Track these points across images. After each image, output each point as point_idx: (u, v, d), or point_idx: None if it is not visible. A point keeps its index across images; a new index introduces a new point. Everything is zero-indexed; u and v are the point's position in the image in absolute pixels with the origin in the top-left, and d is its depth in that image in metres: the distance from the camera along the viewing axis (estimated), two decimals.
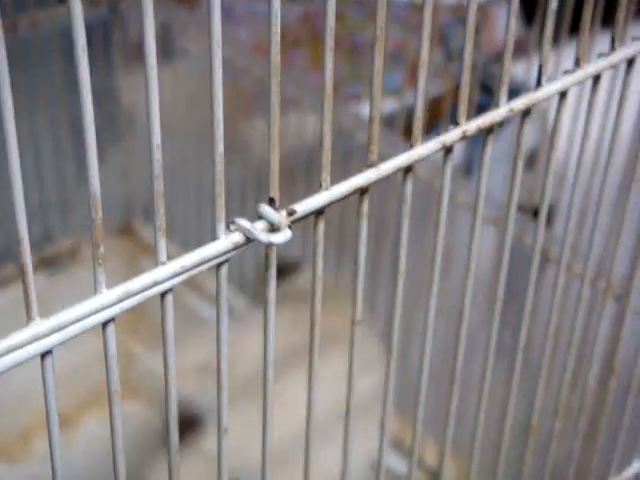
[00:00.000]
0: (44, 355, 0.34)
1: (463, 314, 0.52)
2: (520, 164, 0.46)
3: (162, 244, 0.36)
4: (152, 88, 0.32)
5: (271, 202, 0.38)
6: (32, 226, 1.06)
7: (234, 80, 1.05)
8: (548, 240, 0.84)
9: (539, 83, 0.45)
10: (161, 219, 0.35)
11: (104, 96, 1.12)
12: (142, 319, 1.17)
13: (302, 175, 0.97)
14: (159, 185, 0.35)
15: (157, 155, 0.34)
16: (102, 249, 0.34)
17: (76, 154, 1.12)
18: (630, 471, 0.67)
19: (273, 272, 0.40)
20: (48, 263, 1.13)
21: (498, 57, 1.43)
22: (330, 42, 0.36)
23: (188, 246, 1.04)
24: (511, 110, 0.43)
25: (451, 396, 0.55)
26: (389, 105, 1.17)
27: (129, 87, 1.15)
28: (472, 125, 0.43)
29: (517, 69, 1.00)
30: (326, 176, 0.39)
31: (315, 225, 0.41)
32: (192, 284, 1.14)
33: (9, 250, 1.10)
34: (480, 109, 1.01)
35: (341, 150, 0.92)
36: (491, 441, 0.63)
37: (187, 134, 1.09)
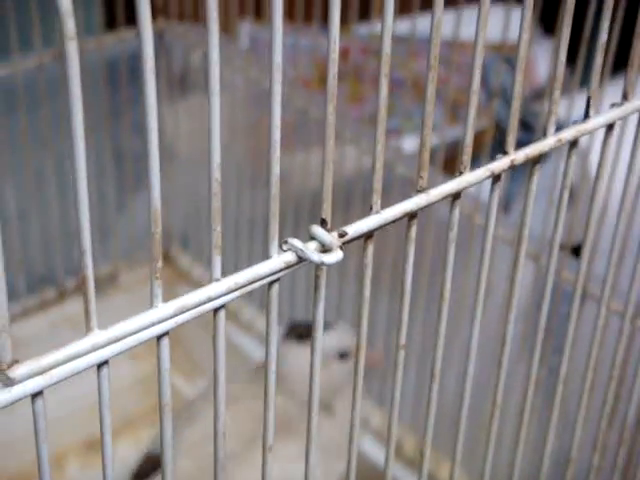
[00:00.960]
0: (100, 365, 0.35)
1: (504, 349, 0.53)
2: (566, 195, 0.47)
3: (217, 261, 0.37)
4: (214, 105, 0.33)
5: (323, 223, 0.39)
6: (71, 251, 1.08)
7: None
8: (586, 276, 0.84)
9: (587, 115, 0.45)
10: (217, 236, 0.36)
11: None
12: (179, 346, 1.18)
13: (341, 204, 0.98)
14: (216, 202, 0.36)
15: (216, 174, 0.35)
16: (160, 263, 0.35)
17: (117, 181, 1.14)
18: None
19: (322, 293, 0.40)
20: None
21: (537, 95, 1.44)
22: (385, 68, 0.37)
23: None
24: (559, 140, 0.44)
25: (489, 434, 0.55)
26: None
27: (171, 117, 1.17)
28: (520, 154, 0.44)
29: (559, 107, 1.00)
30: (377, 200, 0.40)
31: (365, 248, 0.41)
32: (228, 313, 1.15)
33: (50, 274, 1.11)
34: (520, 146, 1.02)
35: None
36: (528, 475, 0.64)
37: (228, 164, 1.10)
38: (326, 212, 0.39)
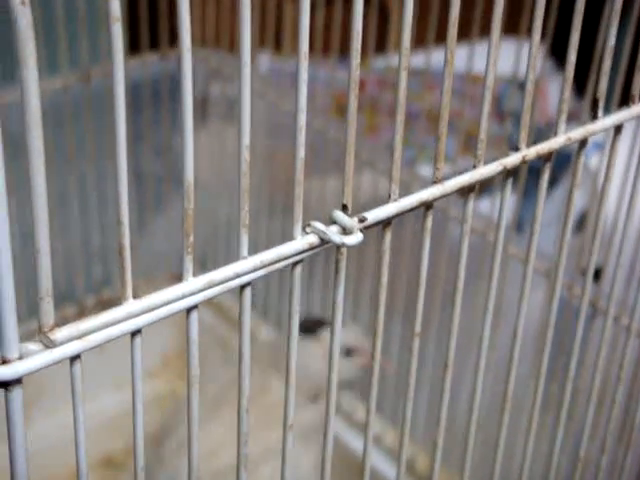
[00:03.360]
0: (134, 334, 0.37)
1: (511, 364, 0.55)
2: (575, 192, 0.49)
3: (244, 239, 0.39)
4: (245, 84, 0.36)
5: (344, 208, 0.41)
6: (93, 269, 1.11)
7: (292, 144, 1.08)
8: (597, 292, 0.86)
9: (595, 116, 0.48)
10: (245, 215, 0.38)
11: (168, 149, 1.17)
12: (184, 359, 1.19)
13: None
14: (245, 183, 0.38)
15: (245, 154, 0.37)
16: (192, 238, 0.37)
17: (137, 202, 1.16)
18: None
19: (342, 276, 0.42)
20: (106, 305, 1.16)
21: (549, 126, 1.46)
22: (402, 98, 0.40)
23: None
24: (569, 139, 0.46)
25: (496, 452, 0.57)
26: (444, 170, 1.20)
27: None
28: (532, 151, 0.46)
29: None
30: (395, 188, 0.42)
31: (383, 235, 0.43)
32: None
33: (70, 292, 1.14)
34: (531, 170, 1.04)
35: None
36: None
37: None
38: (347, 198, 0.41)
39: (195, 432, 0.41)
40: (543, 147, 0.46)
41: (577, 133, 0.47)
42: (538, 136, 1.15)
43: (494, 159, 0.45)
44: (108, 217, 1.12)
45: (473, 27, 0.99)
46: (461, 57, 0.98)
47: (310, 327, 0.93)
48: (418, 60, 1.19)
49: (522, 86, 1.13)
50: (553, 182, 1.33)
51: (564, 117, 0.46)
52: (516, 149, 0.46)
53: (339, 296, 0.43)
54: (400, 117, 0.40)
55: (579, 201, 1.07)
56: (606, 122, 0.48)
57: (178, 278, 1.14)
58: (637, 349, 0.73)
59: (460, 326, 0.50)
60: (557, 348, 0.87)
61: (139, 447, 0.40)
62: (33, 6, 0.30)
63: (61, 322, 1.01)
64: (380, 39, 1.54)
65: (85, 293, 1.15)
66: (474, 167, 0.45)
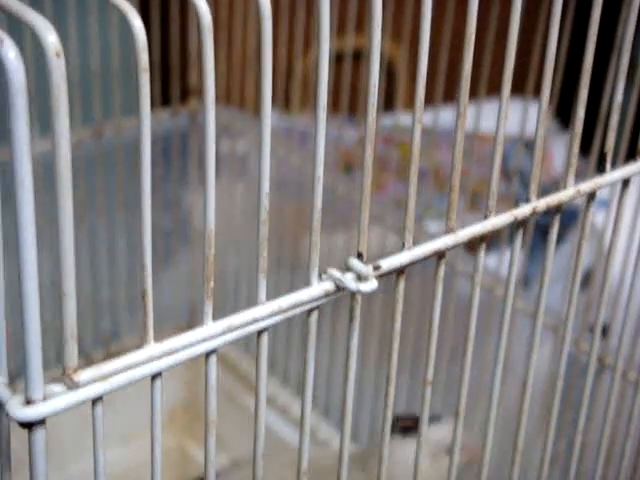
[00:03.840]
0: (155, 377, 0.38)
1: (522, 415, 0.55)
2: (584, 246, 0.50)
3: (262, 285, 0.40)
4: (265, 136, 0.37)
5: (359, 256, 0.42)
6: (101, 322, 1.11)
7: (299, 200, 1.10)
8: (604, 348, 0.87)
9: (603, 169, 0.49)
10: (263, 261, 0.39)
11: (177, 204, 1.18)
12: (199, 419, 1.20)
13: None
14: (264, 231, 0.39)
15: (265, 202, 0.38)
16: (212, 283, 0.38)
17: None
18: None
19: (357, 323, 0.43)
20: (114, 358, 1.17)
21: (554, 184, 1.48)
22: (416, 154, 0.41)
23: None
24: (578, 191, 0.48)
25: None
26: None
27: (200, 199, 1.20)
28: (542, 203, 0.47)
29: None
30: (409, 237, 0.43)
31: (396, 283, 0.44)
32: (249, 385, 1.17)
33: (79, 345, 1.14)
34: (537, 228, 1.05)
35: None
36: None
37: (253, 245, 1.14)
38: (362, 246, 0.42)
39: (212, 475, 0.42)
40: (553, 199, 0.47)
41: (586, 186, 0.48)
42: (544, 195, 1.17)
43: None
44: (117, 271, 1.13)
45: (480, 86, 1.00)
46: (467, 116, 0.99)
47: (408, 426, 0.91)
48: (425, 119, 1.21)
49: (529, 145, 1.14)
50: (559, 239, 1.34)
51: (573, 170, 0.47)
52: (527, 200, 0.47)
53: (354, 345, 0.44)
54: (414, 167, 0.41)
55: (585, 258, 1.08)
56: (614, 175, 0.49)
57: (184, 330, 1.14)
58: None
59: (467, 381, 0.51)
60: (564, 404, 0.87)
61: None
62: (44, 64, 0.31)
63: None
64: (387, 97, 1.56)
65: (93, 347, 1.16)
66: (485, 217, 0.46)
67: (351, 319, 0.43)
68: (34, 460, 0.36)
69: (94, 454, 0.39)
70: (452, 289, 0.96)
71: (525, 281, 1.10)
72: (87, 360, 1.16)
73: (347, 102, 1.15)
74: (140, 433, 1.22)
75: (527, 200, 0.47)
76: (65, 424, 1.08)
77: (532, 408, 0.60)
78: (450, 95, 0.96)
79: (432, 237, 0.99)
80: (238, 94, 1.21)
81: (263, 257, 0.39)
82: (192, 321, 1.25)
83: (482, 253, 0.47)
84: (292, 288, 0.41)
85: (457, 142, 0.41)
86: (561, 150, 1.59)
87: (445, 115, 1.12)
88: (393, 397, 0.47)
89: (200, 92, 1.11)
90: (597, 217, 1.23)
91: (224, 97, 1.18)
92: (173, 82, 1.12)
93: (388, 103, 1.58)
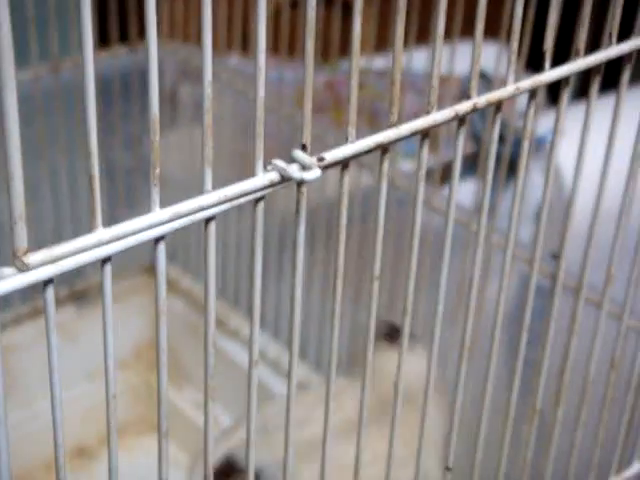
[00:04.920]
0: (105, 261, 0.39)
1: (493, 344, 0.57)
2: (527, 145, 0.51)
3: (208, 173, 0.41)
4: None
5: (303, 148, 0.43)
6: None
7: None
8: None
9: (542, 68, 0.50)
10: (209, 152, 0.41)
11: (138, 142, 1.19)
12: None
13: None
14: (208, 119, 0.40)
15: (208, 91, 0.39)
16: (158, 170, 0.39)
17: (108, 196, 1.18)
18: (631, 471, 0.71)
19: (303, 215, 0.45)
20: (78, 297, 1.18)
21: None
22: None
23: None
24: (517, 88, 0.49)
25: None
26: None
27: (161, 148, 1.21)
28: (482, 99, 0.48)
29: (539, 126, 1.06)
30: (352, 130, 0.45)
31: (341, 177, 0.46)
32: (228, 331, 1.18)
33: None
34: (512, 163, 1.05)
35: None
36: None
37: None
38: (306, 138, 0.43)
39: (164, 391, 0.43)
40: (493, 95, 0.48)
41: (525, 84, 0.49)
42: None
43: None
44: (80, 207, 1.13)
45: (454, 28, 1.01)
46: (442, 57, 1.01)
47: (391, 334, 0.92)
48: (381, 62, 1.21)
49: (483, 76, 1.15)
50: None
51: (512, 68, 0.49)
52: (467, 97, 0.48)
53: (300, 236, 0.45)
54: (356, 48, 0.42)
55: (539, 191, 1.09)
56: (552, 74, 0.50)
57: (148, 270, 1.15)
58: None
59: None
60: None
61: (112, 429, 0.42)
62: None
63: (34, 312, 1.02)
64: (345, 40, 1.57)
65: (58, 285, 1.16)
66: (427, 113, 0.47)
67: (297, 210, 0.44)
68: None
69: (47, 339, 0.40)
70: (430, 227, 0.97)
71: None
72: None
73: (303, 45, 1.15)
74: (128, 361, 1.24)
75: (468, 97, 0.48)
76: (32, 359, 1.10)
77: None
78: (424, 37, 0.97)
79: (406, 176, 1.02)
80: (196, 32, 1.21)
81: (208, 147, 0.40)
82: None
83: (425, 150, 0.48)
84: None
85: (398, 21, 0.42)
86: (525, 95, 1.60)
87: (418, 57, 1.12)
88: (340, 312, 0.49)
89: (159, 30, 1.11)
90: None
91: (182, 34, 1.19)
92: (131, 18, 1.12)
93: (346, 47, 1.58)
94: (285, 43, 1.18)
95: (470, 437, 0.65)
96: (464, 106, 0.48)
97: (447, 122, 0.48)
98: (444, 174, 1.13)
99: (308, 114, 0.43)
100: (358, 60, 0.43)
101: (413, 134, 0.47)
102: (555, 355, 0.67)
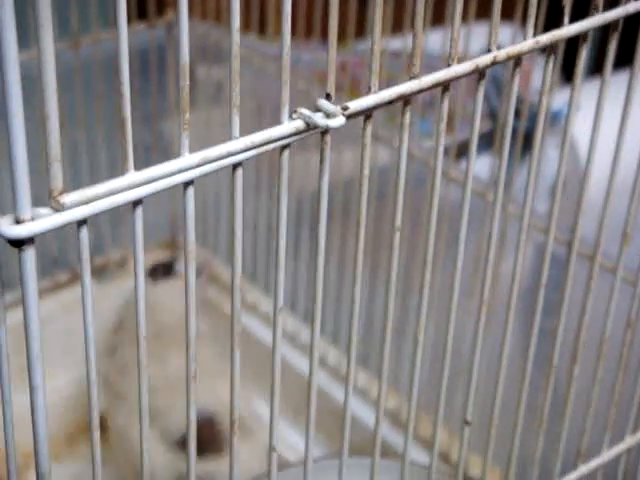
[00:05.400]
0: (136, 203, 0.41)
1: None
2: (546, 100, 0.52)
3: (236, 120, 0.42)
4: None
5: (327, 97, 0.44)
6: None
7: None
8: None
9: (561, 24, 0.51)
10: (236, 96, 0.42)
11: (156, 118, 1.20)
12: None
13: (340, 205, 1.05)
14: (236, 65, 0.41)
15: (236, 37, 0.40)
16: (188, 115, 0.40)
17: None
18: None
19: (327, 164, 0.46)
20: (98, 272, 1.20)
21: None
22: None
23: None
24: (537, 42, 0.50)
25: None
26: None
27: (177, 128, 1.22)
28: (502, 53, 0.49)
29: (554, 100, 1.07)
30: (375, 80, 0.46)
31: (364, 126, 0.47)
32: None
33: (62, 258, 1.16)
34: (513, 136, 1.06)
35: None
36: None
37: None
38: (330, 87, 0.44)
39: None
40: (513, 49, 0.49)
41: (545, 38, 0.50)
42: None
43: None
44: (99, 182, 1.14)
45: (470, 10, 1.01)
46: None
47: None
48: (397, 43, 1.22)
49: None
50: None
51: (532, 22, 0.50)
52: (488, 51, 0.49)
53: (324, 186, 0.46)
54: (379, 11, 0.43)
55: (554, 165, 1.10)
56: (571, 29, 0.51)
57: (168, 246, 1.16)
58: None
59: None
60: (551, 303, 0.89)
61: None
62: None
63: (55, 286, 1.03)
64: (360, 22, 1.57)
65: (77, 260, 1.18)
66: (448, 65, 0.48)
67: (322, 160, 0.46)
68: (25, 279, 0.38)
69: (82, 284, 0.41)
70: (446, 199, 0.98)
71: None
72: (71, 274, 1.18)
73: (320, 27, 1.17)
74: None
75: (488, 50, 0.49)
76: (52, 334, 1.11)
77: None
78: (438, 19, 0.98)
79: (424, 151, 1.03)
80: (214, 11, 1.22)
81: (235, 92, 0.42)
82: (174, 236, 1.28)
83: (445, 103, 0.49)
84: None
85: None
86: (540, 74, 1.60)
87: (433, 39, 1.13)
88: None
89: (175, 5, 1.12)
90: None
91: (200, 13, 1.20)
92: None
93: (360, 29, 1.59)
94: (302, 25, 1.19)
95: (487, 396, 0.66)
96: (484, 59, 0.49)
97: (467, 75, 0.49)
98: (460, 151, 1.14)
99: (332, 62, 0.44)
100: (381, 11, 0.44)
101: (434, 86, 0.48)
102: (570, 323, 0.68)
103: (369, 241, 1.03)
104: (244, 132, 0.43)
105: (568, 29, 0.51)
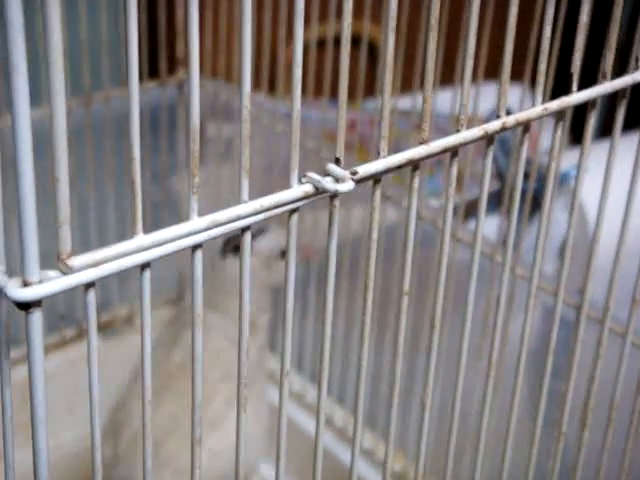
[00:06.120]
0: (144, 266, 0.41)
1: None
2: (556, 156, 0.52)
3: (245, 184, 0.42)
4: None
5: (337, 162, 0.45)
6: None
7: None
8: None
9: (569, 90, 0.51)
10: (246, 161, 0.42)
11: (165, 175, 1.20)
12: None
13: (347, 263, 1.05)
14: (246, 129, 0.41)
15: (246, 102, 0.41)
16: (197, 179, 0.41)
17: None
18: None
19: (335, 228, 0.46)
20: (105, 328, 1.19)
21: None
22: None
23: None
24: (545, 109, 0.50)
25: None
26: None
27: (186, 184, 1.22)
28: (511, 119, 0.49)
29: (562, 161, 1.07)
30: (384, 146, 0.46)
31: (373, 191, 0.47)
32: None
33: (69, 314, 1.16)
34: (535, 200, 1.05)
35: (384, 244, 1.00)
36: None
37: None
38: (339, 151, 0.45)
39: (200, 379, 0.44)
40: (522, 115, 0.50)
41: (553, 104, 0.51)
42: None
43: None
44: (107, 240, 1.15)
45: (479, 70, 1.02)
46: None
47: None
48: (406, 102, 1.23)
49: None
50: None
51: (541, 89, 0.50)
52: (497, 117, 0.49)
53: (332, 247, 0.46)
54: (389, 67, 0.43)
55: (562, 228, 1.10)
56: (580, 96, 0.51)
57: (173, 303, 1.15)
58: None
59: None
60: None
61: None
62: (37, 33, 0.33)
63: (61, 342, 1.03)
64: (370, 81, 1.59)
65: (84, 317, 1.17)
66: (458, 131, 0.48)
67: (330, 223, 0.46)
68: (31, 341, 0.38)
69: (88, 344, 0.41)
70: (453, 258, 0.98)
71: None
72: (78, 330, 1.18)
73: (330, 86, 1.18)
74: None
75: (497, 116, 0.49)
76: (57, 391, 1.11)
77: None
78: (447, 79, 0.99)
79: (432, 210, 1.03)
80: (225, 67, 1.23)
81: (245, 157, 0.42)
82: (180, 293, 1.27)
83: (454, 168, 0.49)
84: None
85: (430, 38, 0.43)
86: (548, 135, 1.61)
87: (442, 97, 1.14)
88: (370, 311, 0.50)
89: (186, 64, 1.13)
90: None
91: (210, 71, 1.21)
92: (160, 53, 1.14)
93: (370, 88, 1.60)
94: (311, 83, 1.19)
95: (495, 459, 0.65)
96: (493, 125, 0.49)
97: (476, 140, 0.49)
98: (468, 211, 1.14)
99: (342, 128, 0.44)
100: (390, 75, 0.44)
101: (443, 151, 0.48)
102: (578, 388, 0.68)
103: (376, 299, 1.03)
104: (253, 189, 0.43)
105: (577, 96, 0.51)
